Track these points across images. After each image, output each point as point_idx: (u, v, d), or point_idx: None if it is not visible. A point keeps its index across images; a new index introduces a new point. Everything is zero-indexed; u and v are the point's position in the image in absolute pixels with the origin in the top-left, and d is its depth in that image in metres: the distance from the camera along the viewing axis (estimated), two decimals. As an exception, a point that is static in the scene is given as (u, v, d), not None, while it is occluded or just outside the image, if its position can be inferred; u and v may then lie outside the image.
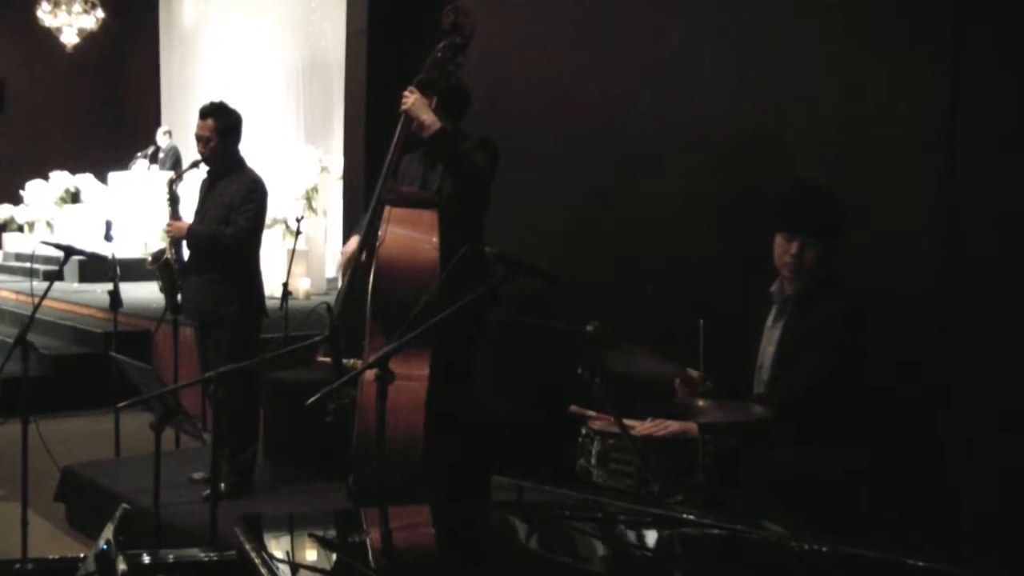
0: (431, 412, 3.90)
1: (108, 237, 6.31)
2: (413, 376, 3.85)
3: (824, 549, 2.10)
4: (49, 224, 14.54)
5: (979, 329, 3.75)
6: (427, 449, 3.86)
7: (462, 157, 4.16)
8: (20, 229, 15.15)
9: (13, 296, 11.11)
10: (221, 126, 5.10)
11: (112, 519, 2.02)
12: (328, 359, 4.00)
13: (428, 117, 4.13)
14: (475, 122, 4.43)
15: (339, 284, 4.51)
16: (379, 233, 4.03)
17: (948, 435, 3.77)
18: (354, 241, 4.36)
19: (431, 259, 3.97)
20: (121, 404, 3.74)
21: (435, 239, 4.00)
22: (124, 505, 2.12)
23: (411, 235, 4.03)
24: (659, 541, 2.32)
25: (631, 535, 2.39)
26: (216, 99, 5.31)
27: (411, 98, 4.17)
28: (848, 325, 3.39)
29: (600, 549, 2.30)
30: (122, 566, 1.86)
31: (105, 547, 1.99)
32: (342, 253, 4.49)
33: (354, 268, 4.24)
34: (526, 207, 5.23)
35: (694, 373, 3.47)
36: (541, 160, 5.30)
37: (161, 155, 14.37)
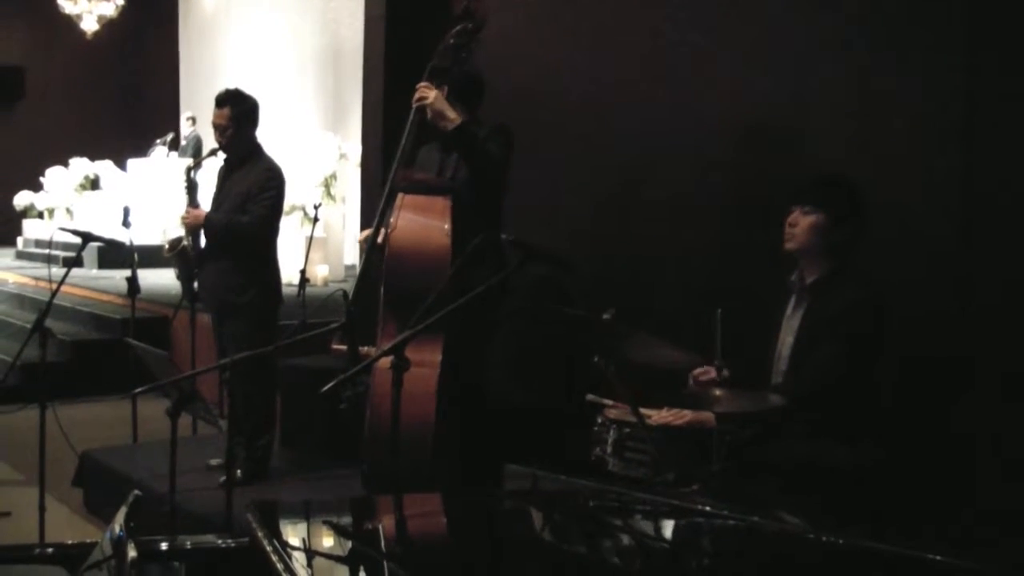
0: (443, 399, 3.89)
1: (126, 223, 6.31)
2: (425, 362, 3.83)
3: (840, 542, 2.08)
4: (69, 211, 14.61)
5: (999, 321, 3.71)
6: (438, 436, 3.85)
7: (482, 151, 4.10)
8: (40, 216, 15.22)
9: (33, 282, 11.17)
10: (236, 113, 5.08)
11: (123, 505, 2.02)
12: (343, 347, 4.00)
13: (450, 113, 4.06)
14: (491, 115, 4.40)
15: (358, 271, 4.50)
16: (391, 220, 4.01)
17: (966, 428, 3.73)
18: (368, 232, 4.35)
19: (443, 246, 3.94)
20: (137, 390, 3.75)
21: (447, 226, 3.97)
22: (136, 491, 2.12)
23: (423, 222, 4.00)
24: (674, 531, 2.30)
25: (646, 525, 2.38)
26: (232, 86, 5.30)
27: (431, 94, 4.07)
28: (866, 316, 3.36)
29: (614, 539, 2.28)
30: (132, 552, 1.86)
31: (121, 533, 1.99)
32: (359, 242, 4.48)
33: (367, 256, 4.22)
34: (543, 196, 5.21)
35: (711, 371, 3.43)
36: (558, 149, 5.28)
37: (183, 142, 14.41)
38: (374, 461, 3.88)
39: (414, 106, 4.13)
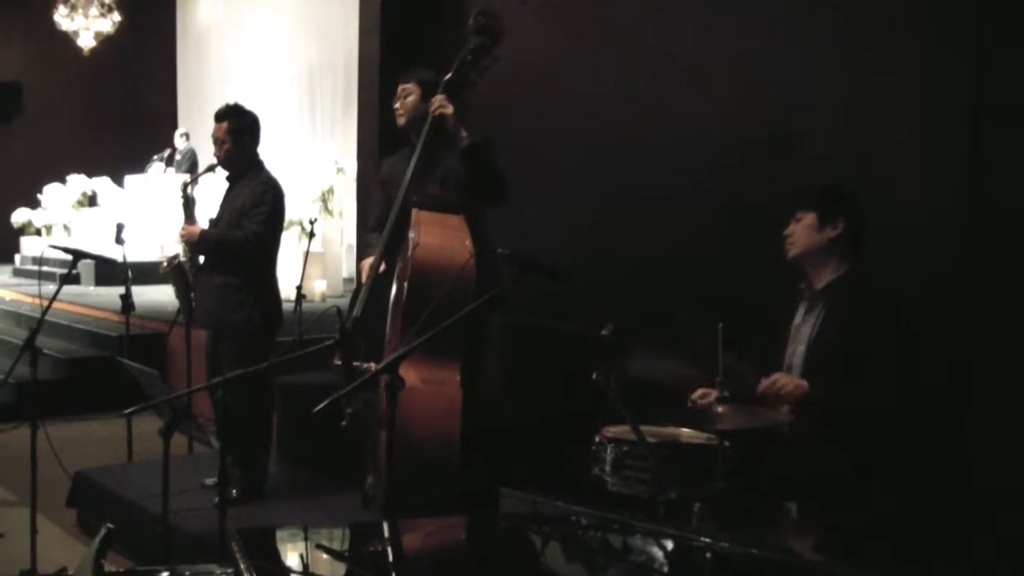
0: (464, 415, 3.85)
1: (119, 240, 6.23)
2: (447, 380, 3.80)
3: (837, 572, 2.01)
4: (66, 228, 14.55)
5: (1004, 326, 3.66)
6: (463, 452, 3.79)
7: (496, 166, 4.18)
8: (38, 233, 15.16)
9: (29, 300, 11.11)
10: (234, 128, 5.04)
11: (94, 542, 1.96)
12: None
13: (463, 130, 4.12)
14: (489, 120, 4.37)
15: (354, 286, 4.49)
16: (412, 236, 3.96)
17: (972, 434, 3.68)
18: (370, 260, 4.38)
19: (468, 262, 3.93)
20: (129, 410, 3.69)
21: (468, 242, 3.97)
22: (107, 525, 2.05)
23: (445, 236, 3.98)
24: (669, 563, 2.22)
25: (642, 554, 2.30)
26: (232, 101, 5.25)
27: (450, 109, 4.14)
28: (901, 316, 3.32)
29: (612, 568, 2.22)
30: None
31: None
32: (360, 268, 4.48)
33: (375, 274, 4.22)
34: (542, 207, 5.16)
35: (711, 393, 3.37)
36: (557, 159, 5.24)
37: (177, 157, 14.35)
38: (403, 486, 3.81)
39: (432, 116, 4.18)
